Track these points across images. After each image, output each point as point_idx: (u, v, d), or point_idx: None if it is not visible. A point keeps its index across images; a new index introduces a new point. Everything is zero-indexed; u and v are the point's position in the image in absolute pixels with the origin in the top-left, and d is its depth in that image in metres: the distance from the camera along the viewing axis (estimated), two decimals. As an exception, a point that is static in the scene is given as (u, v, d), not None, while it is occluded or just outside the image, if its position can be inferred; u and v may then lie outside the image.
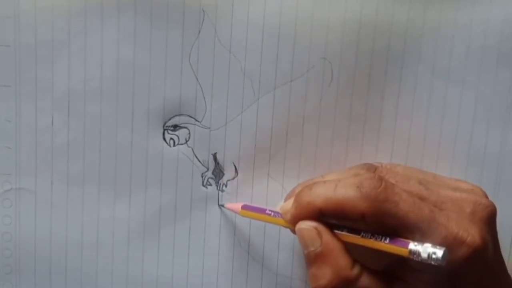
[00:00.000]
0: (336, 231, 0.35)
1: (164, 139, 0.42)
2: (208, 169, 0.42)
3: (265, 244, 0.43)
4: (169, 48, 0.41)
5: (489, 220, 0.36)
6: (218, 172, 0.42)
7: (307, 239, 0.35)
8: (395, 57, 0.41)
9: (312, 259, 0.35)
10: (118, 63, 0.41)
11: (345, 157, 0.42)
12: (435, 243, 0.33)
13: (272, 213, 0.38)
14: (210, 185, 0.42)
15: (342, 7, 0.40)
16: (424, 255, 0.32)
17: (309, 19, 0.40)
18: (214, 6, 0.40)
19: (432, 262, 0.32)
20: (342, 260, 0.35)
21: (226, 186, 0.42)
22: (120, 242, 0.43)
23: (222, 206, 0.42)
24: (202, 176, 0.42)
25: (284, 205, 0.37)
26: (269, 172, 0.42)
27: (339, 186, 0.35)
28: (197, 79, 0.41)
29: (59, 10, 0.40)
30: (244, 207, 0.40)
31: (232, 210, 0.41)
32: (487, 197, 0.37)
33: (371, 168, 0.38)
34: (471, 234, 0.34)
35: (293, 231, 0.37)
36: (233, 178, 0.42)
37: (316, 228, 0.35)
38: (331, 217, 0.35)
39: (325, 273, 0.35)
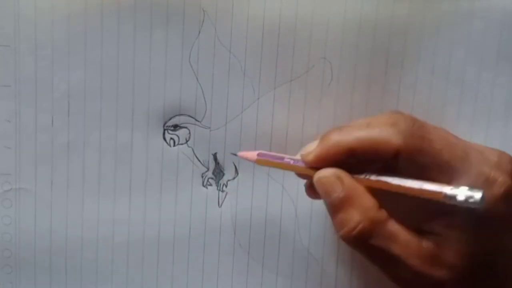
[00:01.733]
0: (366, 176, 0.34)
1: (164, 139, 0.42)
2: (208, 169, 0.42)
3: (265, 244, 0.43)
4: (169, 48, 0.41)
5: None
6: (218, 172, 0.42)
7: (328, 186, 0.35)
8: (395, 57, 0.41)
9: (337, 205, 0.34)
10: (118, 63, 0.41)
11: (345, 157, 0.42)
12: (467, 182, 0.33)
13: (292, 161, 0.37)
14: (210, 185, 0.42)
15: (342, 7, 0.40)
16: (461, 197, 0.32)
17: (309, 19, 0.40)
18: (214, 6, 0.40)
19: (470, 205, 0.31)
20: (367, 201, 0.34)
21: (226, 186, 0.42)
22: (120, 242, 0.43)
23: (235, 154, 0.41)
24: (202, 176, 0.42)
25: (307, 146, 0.36)
26: (269, 172, 0.42)
27: (372, 124, 0.34)
28: (197, 79, 0.41)
29: (59, 10, 0.40)
30: (260, 154, 0.38)
31: (246, 159, 0.39)
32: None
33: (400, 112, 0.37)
34: (502, 175, 0.34)
35: (309, 189, 0.36)
36: (233, 178, 0.42)
37: (335, 174, 0.34)
38: (361, 156, 0.34)
39: (353, 216, 0.34)
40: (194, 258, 0.43)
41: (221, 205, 0.43)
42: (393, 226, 0.34)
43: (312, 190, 0.36)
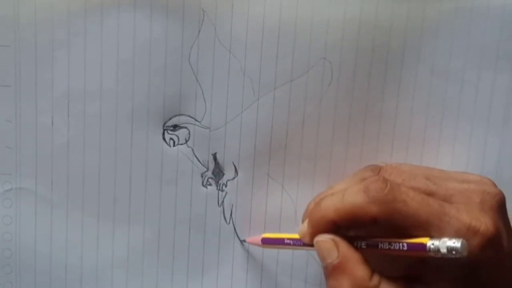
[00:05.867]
0: (357, 248, 0.35)
1: (164, 139, 0.42)
2: (208, 169, 0.42)
3: (265, 244, 0.43)
4: (169, 48, 0.41)
5: (499, 208, 0.36)
6: (218, 172, 0.42)
7: (325, 251, 0.35)
8: (395, 57, 0.41)
9: (330, 271, 0.35)
10: (118, 63, 0.41)
11: (345, 157, 0.42)
12: (449, 236, 0.33)
13: (292, 242, 0.38)
14: (210, 185, 0.42)
15: (342, 7, 0.40)
16: (443, 250, 0.32)
17: (309, 19, 0.40)
18: (214, 6, 0.40)
19: (453, 255, 0.32)
20: (360, 271, 0.34)
21: (226, 186, 0.42)
22: (120, 241, 0.43)
23: (244, 241, 0.42)
24: (202, 176, 0.42)
25: (301, 228, 0.37)
26: (269, 172, 0.42)
27: (346, 195, 0.35)
28: (197, 79, 0.41)
29: (59, 10, 0.40)
30: (264, 241, 0.40)
31: (254, 244, 0.41)
32: (495, 186, 0.37)
33: (376, 170, 0.38)
34: (484, 223, 0.34)
35: None
36: (233, 178, 0.42)
37: (333, 240, 0.35)
38: (346, 227, 0.35)
39: (343, 285, 0.35)
40: (194, 257, 0.43)
41: (220, 205, 0.43)
42: None
43: None
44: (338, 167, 0.42)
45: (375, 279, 0.35)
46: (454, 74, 0.41)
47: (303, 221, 0.39)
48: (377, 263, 0.35)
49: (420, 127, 0.42)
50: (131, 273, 0.43)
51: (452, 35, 0.40)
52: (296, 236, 0.38)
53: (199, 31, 0.40)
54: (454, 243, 0.32)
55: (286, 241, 0.38)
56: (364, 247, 0.35)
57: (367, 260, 0.35)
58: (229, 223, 0.43)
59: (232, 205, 0.43)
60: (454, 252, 0.32)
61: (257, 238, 0.41)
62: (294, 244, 0.38)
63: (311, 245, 0.37)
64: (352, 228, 0.35)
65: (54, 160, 0.42)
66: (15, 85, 0.41)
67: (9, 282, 0.43)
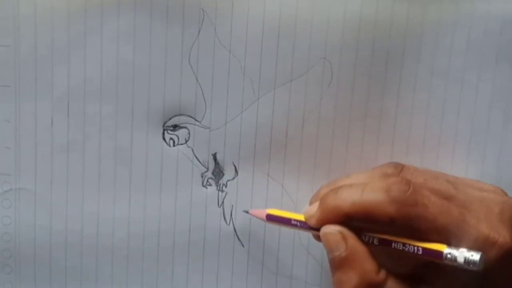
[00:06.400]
0: (367, 243, 0.35)
1: (164, 139, 0.42)
2: (208, 169, 0.42)
3: (265, 243, 0.43)
4: (169, 48, 0.41)
5: None
6: (218, 172, 0.42)
7: (332, 243, 0.35)
8: (395, 57, 0.41)
9: (337, 264, 0.35)
10: (118, 63, 0.41)
11: (345, 157, 0.42)
12: (466, 245, 0.33)
13: (298, 223, 0.37)
14: (210, 185, 0.42)
15: (342, 7, 0.40)
16: (460, 260, 0.32)
17: (309, 19, 0.40)
18: (214, 6, 0.40)
19: (469, 267, 0.32)
20: (367, 265, 0.34)
21: (226, 186, 0.42)
22: (120, 242, 0.43)
23: (247, 212, 0.41)
24: (202, 176, 0.42)
25: (308, 209, 0.37)
26: (269, 172, 0.42)
27: (366, 190, 0.34)
28: (197, 79, 0.41)
29: (59, 10, 0.40)
30: (268, 217, 0.39)
31: (256, 217, 0.40)
32: (510, 197, 0.37)
33: (398, 167, 0.38)
34: (502, 235, 0.34)
35: (317, 238, 0.36)
36: (233, 178, 0.42)
37: (341, 232, 0.35)
38: (358, 221, 0.35)
39: (351, 278, 0.34)
40: (194, 258, 0.43)
41: (220, 205, 0.43)
42: (391, 286, 0.34)
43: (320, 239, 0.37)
44: (338, 167, 0.42)
45: (382, 273, 0.34)
46: (454, 74, 0.41)
47: (311, 203, 0.38)
48: (383, 259, 0.35)
49: (420, 127, 0.42)
50: (131, 273, 0.43)
51: (452, 35, 0.40)
52: (302, 217, 0.37)
53: (199, 31, 0.40)
54: (472, 256, 0.32)
55: (292, 222, 0.37)
56: (377, 243, 0.35)
57: (374, 255, 0.35)
58: (229, 224, 0.43)
59: (232, 205, 0.43)
60: (471, 265, 0.32)
61: (262, 212, 0.39)
62: (300, 226, 0.37)
63: (315, 229, 0.36)
64: (365, 224, 0.35)
65: (54, 160, 0.42)
66: (15, 85, 0.41)
67: (9, 282, 0.43)
